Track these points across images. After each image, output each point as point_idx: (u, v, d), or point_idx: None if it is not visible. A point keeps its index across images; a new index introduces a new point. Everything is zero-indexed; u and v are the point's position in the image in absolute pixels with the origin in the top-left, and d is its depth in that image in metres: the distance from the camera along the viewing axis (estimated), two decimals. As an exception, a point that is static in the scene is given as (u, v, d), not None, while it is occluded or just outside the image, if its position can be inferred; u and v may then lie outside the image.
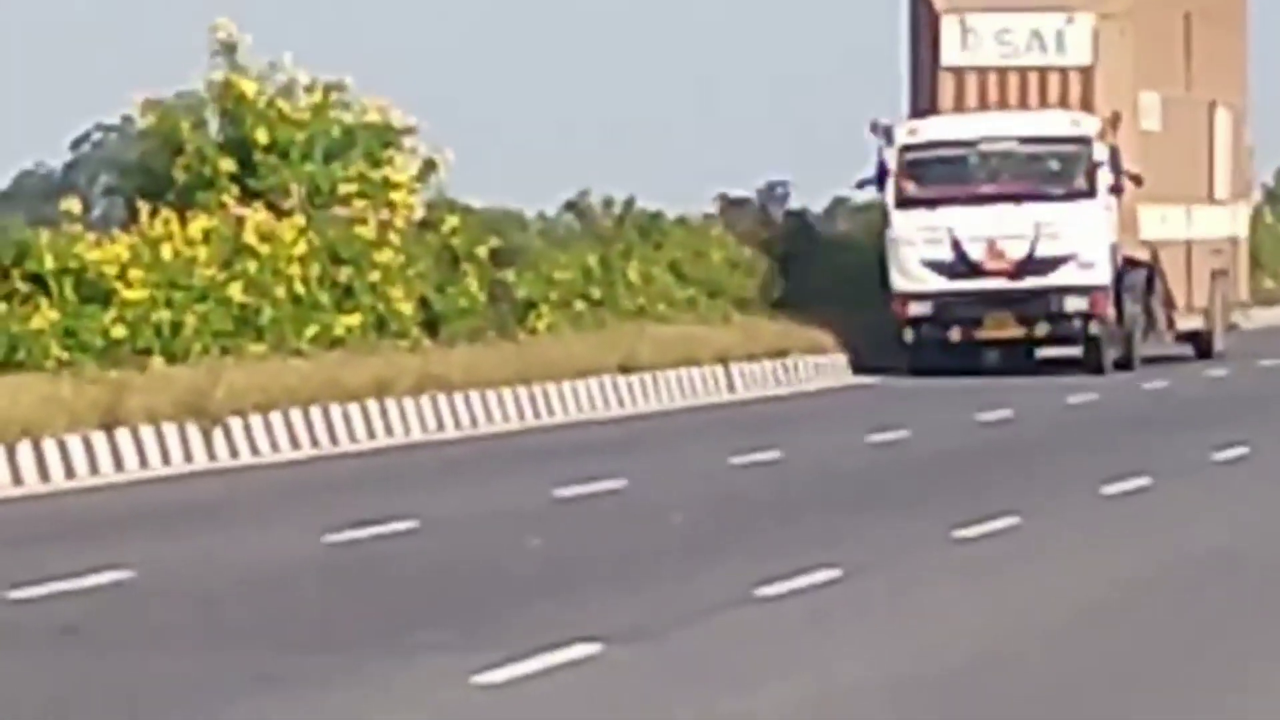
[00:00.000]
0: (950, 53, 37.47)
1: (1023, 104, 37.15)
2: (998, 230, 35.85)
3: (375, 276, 42.26)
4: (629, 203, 49.81)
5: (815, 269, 42.73)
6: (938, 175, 35.93)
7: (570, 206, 63.30)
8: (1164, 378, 39.33)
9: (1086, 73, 37.29)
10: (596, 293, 47.70)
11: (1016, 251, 35.77)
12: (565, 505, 31.52)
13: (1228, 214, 47.15)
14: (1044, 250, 35.72)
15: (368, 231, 42.48)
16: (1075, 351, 36.50)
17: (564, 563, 27.43)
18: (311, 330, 39.72)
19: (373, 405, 39.18)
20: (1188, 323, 43.85)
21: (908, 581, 22.66)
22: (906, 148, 36.76)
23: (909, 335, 37.05)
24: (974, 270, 35.77)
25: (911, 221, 36.53)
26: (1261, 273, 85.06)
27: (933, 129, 36.88)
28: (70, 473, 32.99)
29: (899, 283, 36.82)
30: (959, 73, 37.44)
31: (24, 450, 31.27)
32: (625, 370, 42.58)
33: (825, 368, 45.86)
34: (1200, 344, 44.98)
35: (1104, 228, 36.73)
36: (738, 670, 18.39)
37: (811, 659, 18.52)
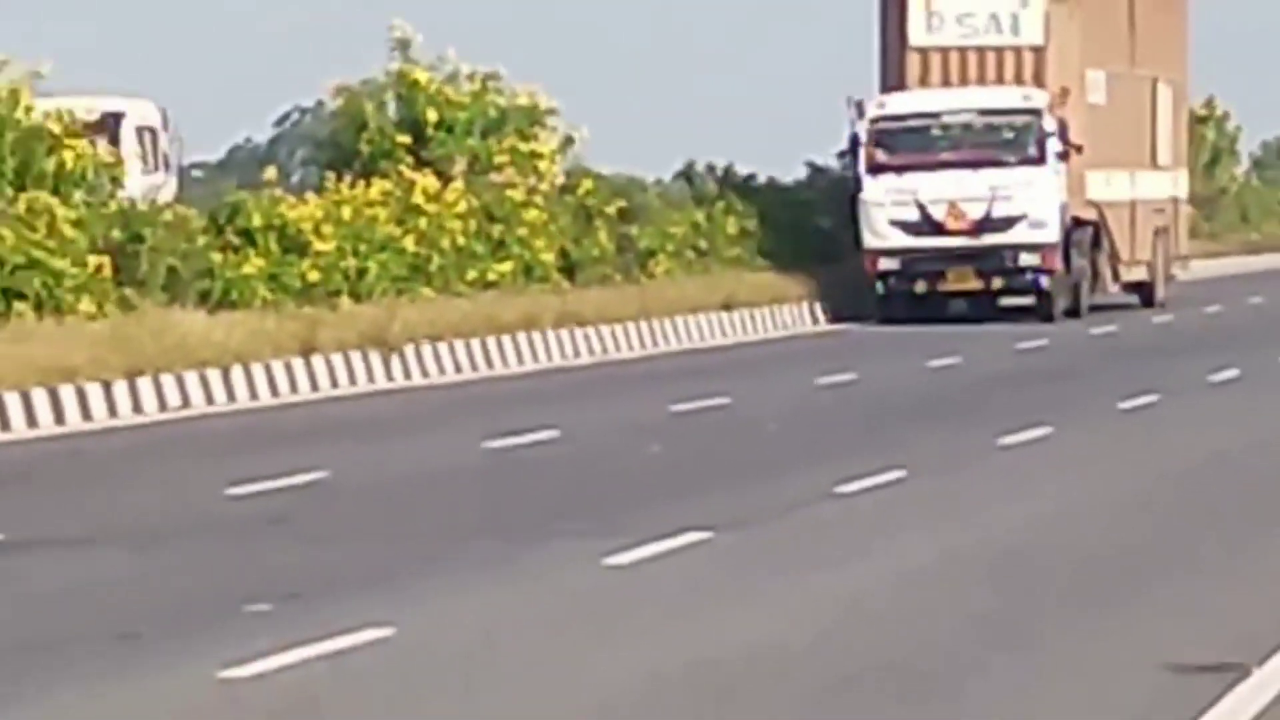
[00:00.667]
0: (916, 34, 38.02)
1: (981, 80, 38.32)
2: (958, 193, 35.87)
3: (523, 231, 42.10)
4: (728, 169, 48.14)
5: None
6: (904, 144, 36.46)
7: (681, 173, 62.20)
8: (1112, 324, 38.41)
9: (1039, 52, 37.87)
10: (703, 244, 47.90)
11: (975, 212, 35.68)
12: (679, 418, 31.23)
13: (1169, 178, 46.25)
14: (999, 211, 35.90)
15: (517, 194, 41.97)
16: (1029, 301, 36.22)
17: (678, 465, 27.44)
18: (471, 275, 39.70)
19: (521, 337, 38.88)
20: (1132, 274, 43.25)
21: (960, 481, 22.47)
22: (876, 120, 37.45)
23: (880, 288, 37.11)
24: (937, 229, 35.93)
25: (880, 186, 37.00)
26: (1248, 227, 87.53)
27: (899, 103, 37.74)
28: (275, 392, 33.30)
29: (870, 241, 37.10)
30: (924, 52, 38.05)
31: (237, 374, 31.41)
32: (726, 308, 41.94)
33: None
34: (1144, 293, 44.44)
35: (1053, 191, 36.62)
36: (823, 553, 19.32)
37: (884, 544, 19.42)
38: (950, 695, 12.08)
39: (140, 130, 41.80)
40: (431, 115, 43.46)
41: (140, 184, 38.07)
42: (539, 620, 16.61)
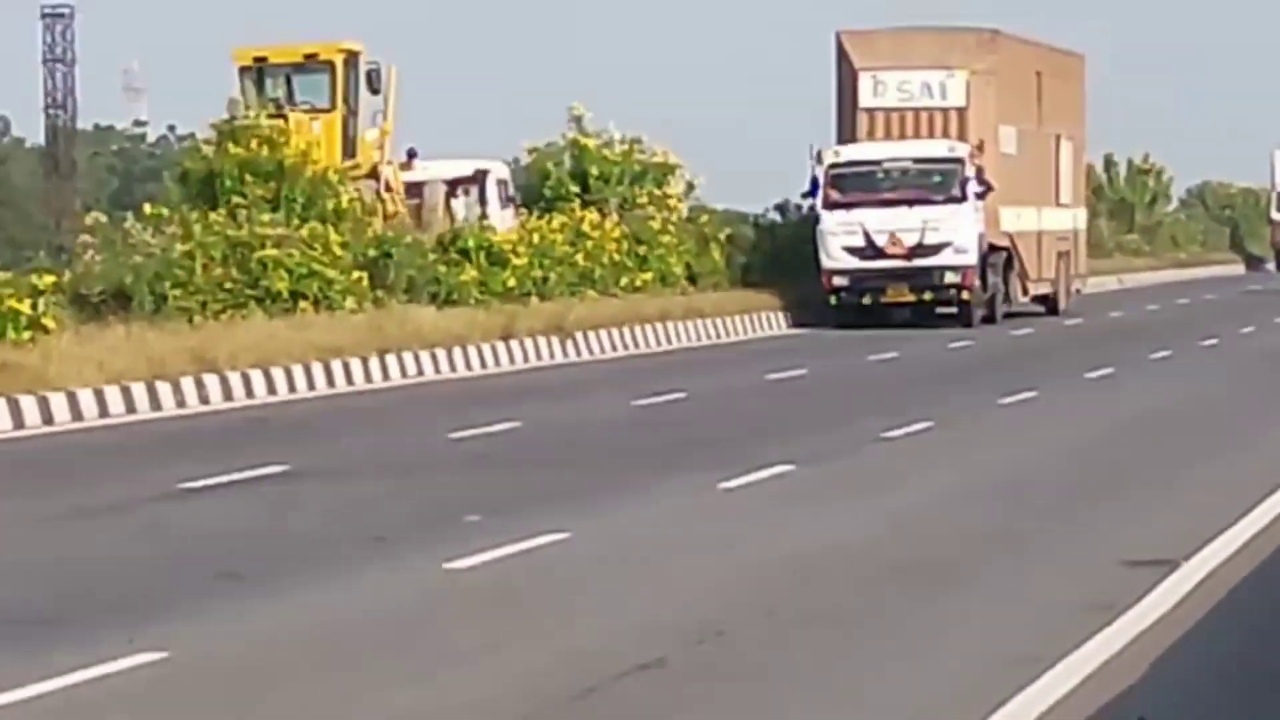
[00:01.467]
0: (865, 98, 38.14)
1: (916, 135, 37.94)
2: (896, 225, 35.69)
3: (660, 251, 43.91)
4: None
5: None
6: (854, 186, 36.26)
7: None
8: (1029, 327, 38.62)
9: (961, 112, 37.60)
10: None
11: (909, 240, 35.45)
12: (772, 384, 31.72)
13: (1070, 215, 45.69)
14: (929, 239, 35.42)
15: (655, 224, 44.17)
16: (953, 310, 36.18)
17: (771, 417, 28.03)
18: (623, 281, 41.62)
19: (659, 326, 39.47)
20: (1039, 289, 42.33)
21: (965, 434, 23.01)
22: (832, 166, 36.82)
23: (834, 300, 36.88)
24: (879, 254, 35.73)
25: (835, 219, 36.74)
26: (1177, 249, 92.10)
27: (850, 152, 37.34)
28: (483, 366, 35.03)
29: (826, 263, 36.95)
30: (871, 112, 38.13)
31: (456, 353, 33.38)
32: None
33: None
34: (1050, 304, 43.59)
35: (972, 223, 35.83)
36: (877, 481, 20.43)
37: (920, 476, 19.72)
38: (968, 580, 13.96)
39: (499, 182, 45.47)
40: (594, 170, 45.28)
41: (500, 217, 43.12)
42: (677, 525, 17.93)
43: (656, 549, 15.97)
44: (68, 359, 24.70)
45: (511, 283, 36.31)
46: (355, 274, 31.67)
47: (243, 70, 33.56)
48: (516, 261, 37.21)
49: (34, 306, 24.46)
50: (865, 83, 36.70)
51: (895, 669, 10.70)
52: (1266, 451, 19.85)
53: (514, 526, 16.02)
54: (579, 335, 34.32)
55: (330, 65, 34.43)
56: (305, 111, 33.01)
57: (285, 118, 33.21)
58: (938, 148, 35.44)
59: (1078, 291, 45.75)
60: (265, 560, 15.19)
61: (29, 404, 23.52)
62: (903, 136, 35.84)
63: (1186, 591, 12.70)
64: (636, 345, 36.09)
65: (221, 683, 10.26)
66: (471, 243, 36.17)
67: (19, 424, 24.14)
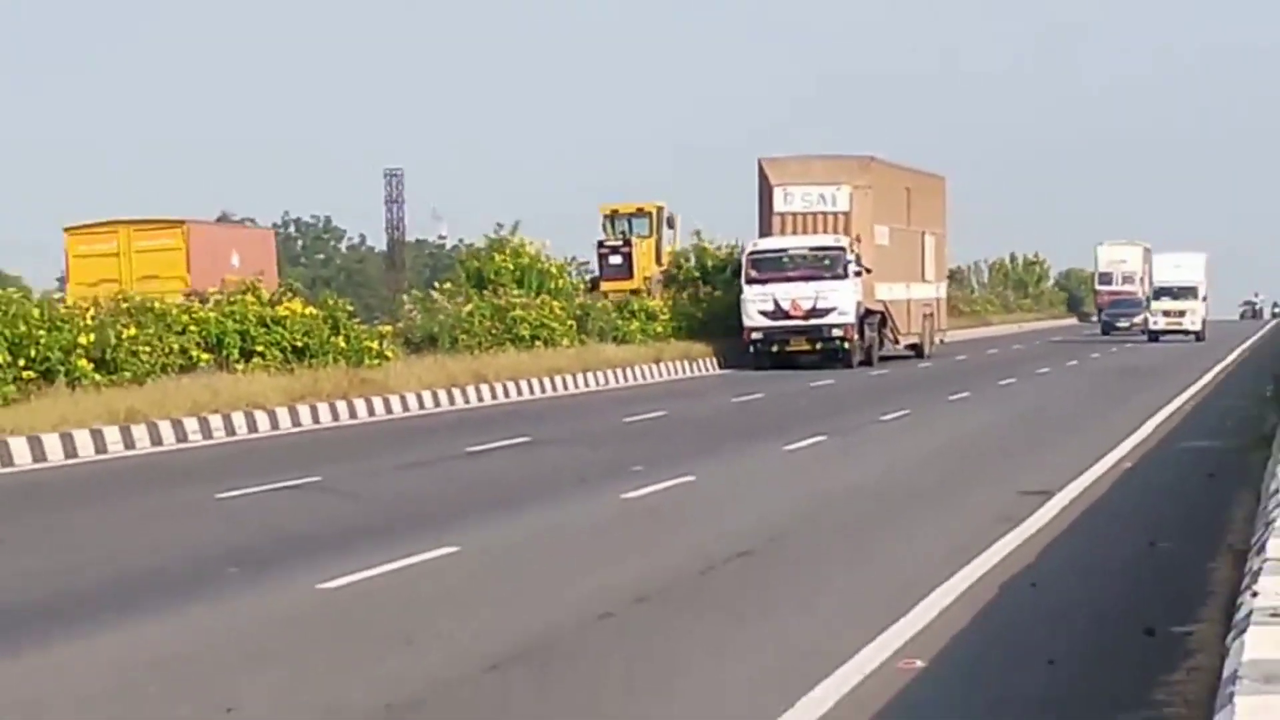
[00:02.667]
0: (778, 205, 34.03)
1: (813, 231, 33.79)
2: (797, 295, 31.47)
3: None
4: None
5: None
6: (767, 267, 32.09)
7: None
8: (890, 368, 34.72)
9: (846, 215, 33.50)
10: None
11: (806, 306, 31.39)
12: (740, 405, 26.18)
13: (933, 288, 41.03)
14: (820, 305, 31.39)
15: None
16: (839, 356, 32.55)
17: (805, 412, 24.50)
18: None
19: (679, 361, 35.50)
20: (909, 340, 38.03)
21: (849, 444, 18.95)
22: (752, 253, 32.89)
23: (752, 350, 32.65)
24: (785, 315, 31.79)
25: (753, 291, 32.19)
26: (1058, 312, 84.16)
27: (764, 244, 33.16)
28: (642, 378, 32.61)
29: (747, 322, 32.51)
30: (783, 215, 33.98)
31: (629, 372, 31.92)
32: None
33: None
34: (918, 350, 38.67)
35: (851, 294, 31.81)
36: (845, 456, 17.87)
37: (817, 477, 15.80)
38: (923, 508, 12.88)
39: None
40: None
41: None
42: (755, 474, 16.50)
43: (737, 490, 15.23)
44: (400, 375, 26.00)
45: (659, 329, 36.41)
46: (569, 324, 33.76)
47: (605, 216, 39.61)
48: (663, 315, 37.22)
49: (380, 344, 27.03)
50: (778, 194, 34.44)
51: (894, 548, 11.15)
52: (1091, 437, 18.33)
53: (662, 473, 15.14)
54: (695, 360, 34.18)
55: (650, 213, 40.26)
56: (639, 238, 39.13)
57: (629, 242, 38.90)
58: (827, 240, 33.00)
59: (941, 341, 42.41)
60: (521, 491, 14.83)
61: (378, 402, 24.40)
62: (804, 232, 34.06)
63: (1058, 510, 12.85)
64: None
65: (496, 566, 10.49)
66: (636, 306, 37.07)
67: (372, 414, 24.18)
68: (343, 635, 7.72)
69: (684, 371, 33.71)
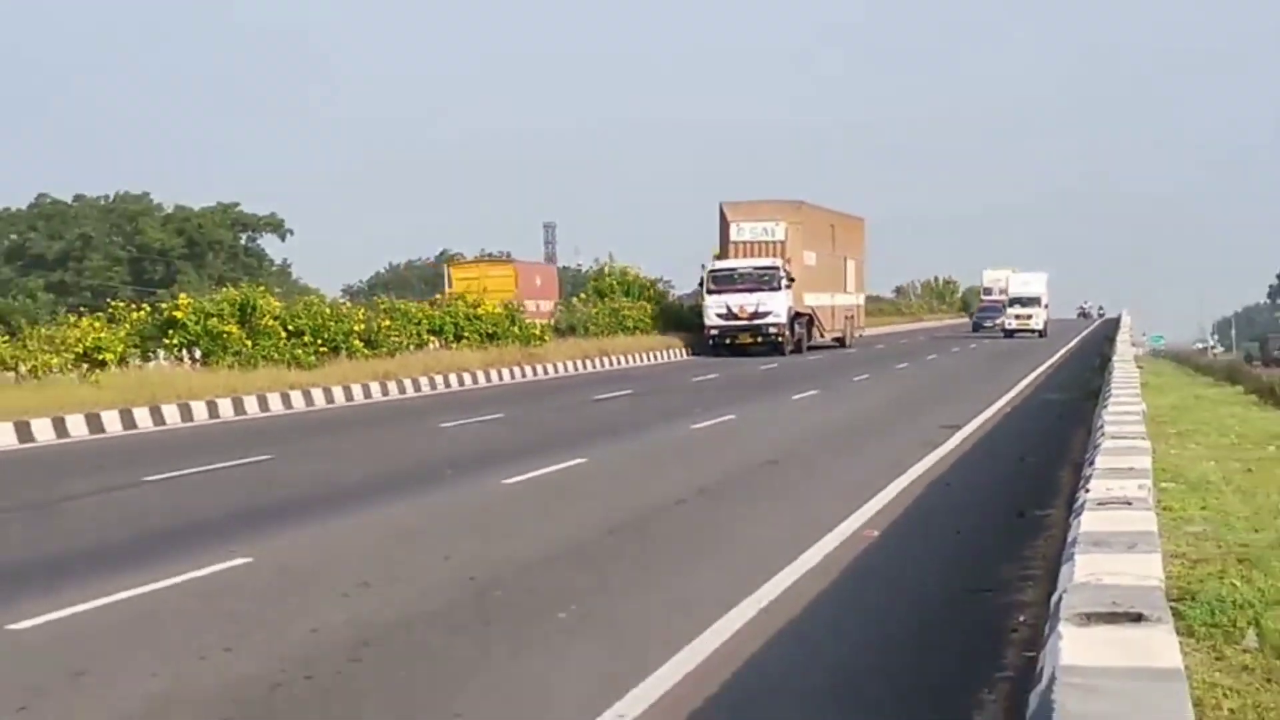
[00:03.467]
0: (733, 236, 33.53)
1: (758, 255, 33.00)
2: (744, 303, 30.87)
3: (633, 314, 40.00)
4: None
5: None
6: (722, 282, 31.49)
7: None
8: (819, 355, 33.72)
9: (782, 243, 32.89)
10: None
11: (750, 310, 30.79)
12: (699, 383, 24.40)
13: (854, 297, 42.17)
14: (761, 310, 30.93)
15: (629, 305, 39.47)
16: (775, 346, 31.01)
17: (788, 378, 24.58)
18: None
19: (624, 355, 33.37)
20: (834, 334, 38.36)
21: (756, 422, 16.31)
22: (711, 271, 32.22)
23: (711, 342, 31.85)
24: (735, 318, 31.08)
25: (712, 299, 31.72)
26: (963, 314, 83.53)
27: (720, 264, 32.60)
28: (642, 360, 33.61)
29: (707, 322, 32.00)
30: (735, 244, 33.37)
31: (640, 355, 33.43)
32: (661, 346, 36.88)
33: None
34: (841, 342, 38.70)
35: (784, 301, 31.31)
36: (807, 411, 17.62)
37: (811, 415, 16.55)
38: (867, 439, 13.69)
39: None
40: (618, 282, 40.95)
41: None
42: (773, 415, 16.96)
43: (694, 448, 13.62)
44: (553, 351, 29.94)
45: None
46: (653, 319, 37.39)
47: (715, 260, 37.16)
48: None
49: (540, 332, 30.92)
50: (733, 228, 34.82)
51: (851, 464, 11.91)
52: (982, 393, 19.39)
53: (714, 414, 16.08)
54: (614, 357, 31.29)
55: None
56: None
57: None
58: (766, 262, 33.20)
59: (860, 335, 44.85)
60: (628, 424, 15.66)
61: (540, 368, 27.89)
62: (751, 256, 34.02)
63: (962, 438, 13.83)
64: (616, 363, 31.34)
65: (611, 472, 11.12)
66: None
67: (536, 375, 27.47)
68: (516, 512, 9.72)
69: (667, 356, 35.92)
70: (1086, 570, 4.78)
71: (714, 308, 33.83)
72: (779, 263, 33.87)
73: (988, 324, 53.75)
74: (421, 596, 6.59)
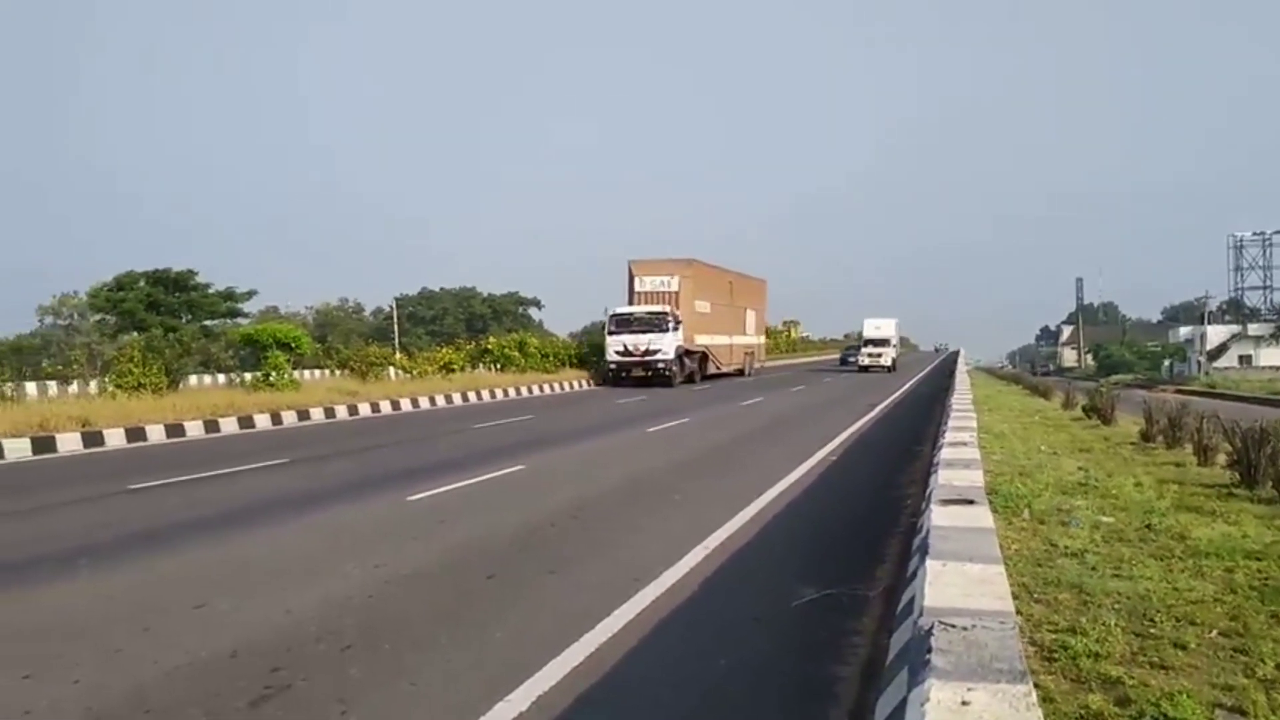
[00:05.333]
0: (637, 287, 36.77)
1: (656, 304, 35.92)
2: (638, 342, 33.42)
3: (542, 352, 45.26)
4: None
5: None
6: (621, 324, 34.21)
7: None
8: (711, 385, 35.74)
9: (676, 294, 36.03)
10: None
11: (644, 348, 33.24)
12: (628, 404, 30.37)
13: (755, 339, 48.46)
14: (652, 348, 33.36)
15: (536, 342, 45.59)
16: (666, 378, 33.67)
17: (718, 395, 27.74)
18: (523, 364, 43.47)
19: (540, 385, 39.95)
20: (733, 367, 43.41)
21: (695, 425, 19.91)
22: (612, 315, 35.08)
23: (609, 374, 34.50)
24: (630, 354, 33.56)
25: (612, 339, 34.44)
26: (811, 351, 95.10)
27: (620, 310, 35.21)
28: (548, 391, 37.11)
29: (608, 357, 34.67)
30: (640, 293, 36.35)
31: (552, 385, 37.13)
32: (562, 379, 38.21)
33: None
34: (741, 373, 44.10)
35: (672, 342, 33.81)
36: (740, 419, 20.34)
37: (747, 418, 19.58)
38: (801, 425, 18.23)
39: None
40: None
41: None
42: (721, 418, 20.28)
43: (686, 435, 17.01)
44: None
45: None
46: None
47: None
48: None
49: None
50: (636, 280, 38.00)
51: (794, 441, 15.80)
52: (860, 405, 23.11)
53: (744, 400, 23.14)
54: (529, 388, 34.18)
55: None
56: None
57: None
58: (658, 308, 36.03)
59: (760, 368, 51.23)
60: (575, 432, 18.51)
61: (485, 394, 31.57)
62: (652, 304, 36.93)
63: (875, 414, 20.85)
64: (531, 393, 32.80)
65: (550, 477, 12.34)
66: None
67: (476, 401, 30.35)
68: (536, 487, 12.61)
69: (579, 386, 38.45)
70: (944, 478, 8.09)
71: (613, 346, 36.78)
72: (668, 309, 37.23)
73: (851, 360, 61.04)
74: (603, 493, 10.51)
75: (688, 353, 38.75)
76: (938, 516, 6.16)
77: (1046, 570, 6.20)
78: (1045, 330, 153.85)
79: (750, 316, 49.05)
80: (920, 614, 4.33)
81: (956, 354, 75.64)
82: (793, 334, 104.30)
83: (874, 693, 4.39)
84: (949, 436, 11.43)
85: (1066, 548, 6.82)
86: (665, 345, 36.01)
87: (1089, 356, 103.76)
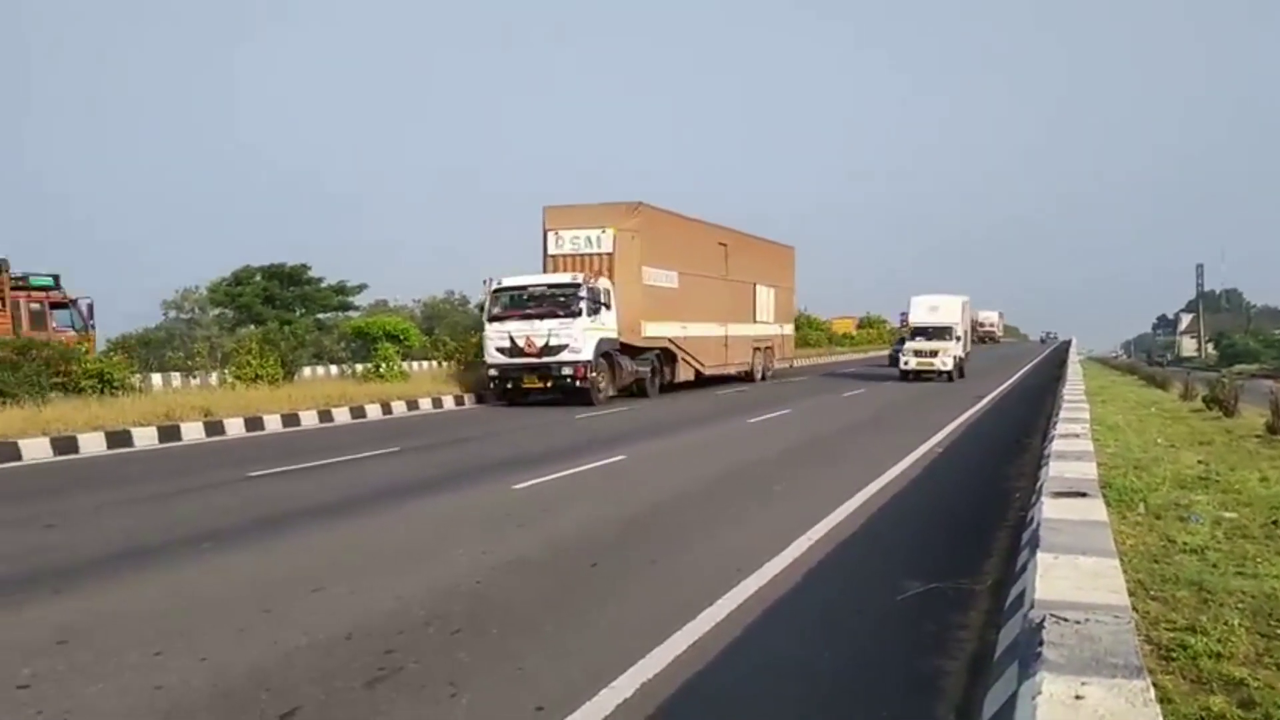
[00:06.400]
0: (551, 248, 24.33)
1: (583, 271, 24.02)
2: (531, 333, 22.04)
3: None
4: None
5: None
6: (508, 304, 22.80)
7: None
8: (673, 399, 24.24)
9: (610, 257, 23.72)
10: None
11: (540, 343, 21.98)
12: (583, 421, 25.90)
13: (770, 328, 32.58)
14: (553, 343, 22.02)
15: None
16: (576, 393, 22.05)
17: (749, 404, 24.79)
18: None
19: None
20: (731, 368, 29.78)
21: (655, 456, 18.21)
22: (495, 290, 23.35)
23: (493, 385, 22.75)
24: (520, 352, 22.16)
25: (493, 328, 22.61)
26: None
27: (508, 280, 23.56)
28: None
29: (487, 358, 22.80)
30: (555, 258, 24.14)
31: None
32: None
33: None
34: (749, 377, 30.42)
35: (586, 332, 22.21)
36: (780, 430, 17.68)
37: (745, 446, 14.37)
38: (890, 428, 16.89)
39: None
40: None
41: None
42: (760, 429, 17.91)
43: (764, 433, 16.40)
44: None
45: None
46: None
47: None
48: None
49: None
50: (551, 238, 24.94)
51: (894, 440, 14.74)
52: (935, 417, 18.83)
53: (780, 406, 20.82)
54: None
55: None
56: None
57: None
58: (564, 277, 23.88)
59: (784, 367, 37.87)
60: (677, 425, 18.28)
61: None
62: (569, 272, 24.69)
63: (985, 403, 21.56)
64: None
65: (649, 465, 12.41)
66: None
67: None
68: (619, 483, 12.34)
69: (445, 405, 24.64)
70: (1055, 470, 8.14)
71: (495, 339, 24.22)
72: (581, 279, 24.38)
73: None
74: (703, 477, 10.75)
75: (629, 349, 25.81)
76: (1049, 509, 6.05)
77: (1164, 567, 6.03)
78: (1162, 319, 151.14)
79: (765, 296, 33.86)
80: (1031, 607, 4.24)
81: (1068, 344, 72.07)
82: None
83: (981, 688, 4.32)
84: (1060, 428, 11.27)
85: (1185, 544, 6.64)
86: (575, 338, 23.55)
87: (1210, 345, 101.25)
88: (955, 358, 33.05)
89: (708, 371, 29.95)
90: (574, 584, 6.52)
